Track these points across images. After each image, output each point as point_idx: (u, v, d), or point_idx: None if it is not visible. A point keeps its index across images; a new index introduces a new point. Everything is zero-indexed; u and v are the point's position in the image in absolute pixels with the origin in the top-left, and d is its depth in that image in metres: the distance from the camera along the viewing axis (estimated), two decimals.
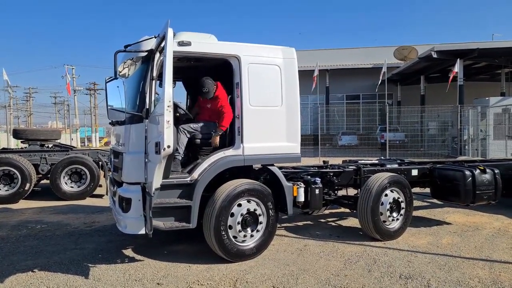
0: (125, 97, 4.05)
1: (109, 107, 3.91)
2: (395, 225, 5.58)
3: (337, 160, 7.75)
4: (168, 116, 3.68)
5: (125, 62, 4.93)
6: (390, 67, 24.67)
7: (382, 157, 8.95)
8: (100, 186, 9.68)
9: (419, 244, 5.35)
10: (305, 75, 22.59)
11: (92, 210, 7.91)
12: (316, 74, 21.69)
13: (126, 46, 4.09)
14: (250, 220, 4.67)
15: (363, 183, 5.79)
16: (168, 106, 3.67)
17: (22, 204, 8.70)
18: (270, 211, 4.79)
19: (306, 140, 18.94)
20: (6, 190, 8.73)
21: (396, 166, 6.64)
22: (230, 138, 4.83)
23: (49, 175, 9.18)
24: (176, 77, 6.16)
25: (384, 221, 5.50)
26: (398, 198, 5.60)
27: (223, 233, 4.48)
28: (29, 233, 6.20)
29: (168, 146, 3.66)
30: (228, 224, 4.53)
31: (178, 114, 4.97)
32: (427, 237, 5.73)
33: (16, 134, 10.15)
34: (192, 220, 4.42)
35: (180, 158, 4.74)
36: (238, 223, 4.58)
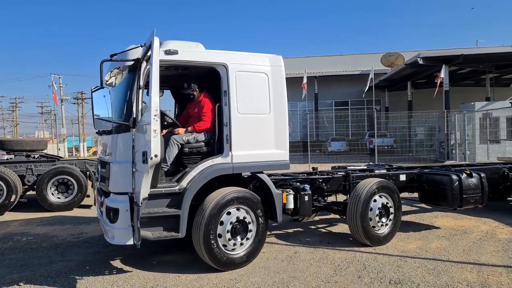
0: (112, 106, 4.02)
1: (95, 117, 3.87)
2: (384, 230, 5.61)
3: (326, 167, 7.80)
4: (155, 125, 3.66)
5: (111, 71, 4.90)
6: (377, 74, 25.03)
7: (371, 163, 9.01)
8: (88, 196, 9.53)
9: (408, 249, 5.39)
10: (294, 82, 22.78)
11: (80, 221, 7.78)
12: (305, 82, 21.85)
13: (112, 55, 4.08)
14: (239, 228, 4.65)
15: (352, 189, 5.82)
16: (155, 115, 3.65)
17: (8, 216, 8.51)
18: (260, 219, 4.78)
19: (296, 147, 19.03)
20: None
21: (384, 171, 6.70)
22: (218, 146, 4.82)
23: (35, 186, 9.03)
24: (164, 86, 6.17)
25: (374, 227, 5.52)
26: (387, 203, 5.63)
27: (213, 241, 4.44)
28: (15, 245, 6.06)
29: (156, 155, 3.64)
30: (217, 233, 4.50)
31: (165, 123, 4.96)
32: (416, 241, 5.78)
33: (1, 145, 9.98)
34: (181, 230, 4.38)
35: (166, 169, 4.71)
36: (228, 231, 4.55)
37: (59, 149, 29.34)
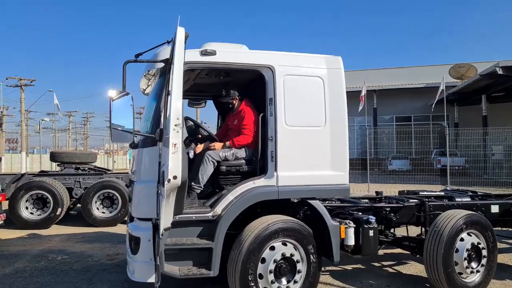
0: (133, 115, 3.35)
1: (113, 127, 3.22)
2: (474, 278, 4.37)
3: (388, 188, 6.66)
4: (175, 138, 2.93)
5: (149, 79, 4.33)
6: (445, 86, 22.79)
7: (447, 187, 7.60)
8: None
9: None
10: (350, 96, 21.27)
11: (119, 239, 7.35)
12: (363, 94, 20.41)
13: (137, 55, 3.45)
14: (285, 268, 3.74)
15: (429, 222, 4.67)
16: (176, 125, 2.93)
17: (53, 229, 8.39)
18: (311, 257, 3.84)
19: (353, 165, 17.41)
20: (38, 215, 8.48)
21: (468, 199, 5.40)
22: (261, 165, 3.99)
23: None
24: (206, 95, 5.56)
25: (460, 273, 4.31)
26: (478, 243, 4.39)
27: (252, 284, 3.59)
28: (47, 265, 5.69)
29: (175, 177, 2.89)
30: (257, 273, 3.64)
31: (199, 136, 4.26)
32: None
33: (53, 157, 10.07)
34: (213, 266, 3.59)
35: (199, 191, 3.97)
36: (271, 271, 3.67)
37: (115, 162, 30.42)
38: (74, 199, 9.19)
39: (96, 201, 8.76)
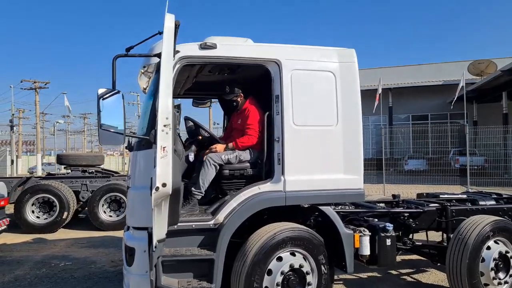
0: (124, 115, 3.08)
1: (102, 128, 2.95)
2: None
3: (405, 188, 6.27)
4: (164, 140, 2.62)
5: (149, 77, 4.05)
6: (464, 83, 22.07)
7: (469, 190, 7.15)
8: None
9: None
10: (364, 95, 20.75)
11: None
12: (379, 92, 19.87)
13: (128, 49, 3.16)
14: (294, 281, 3.42)
15: (451, 228, 4.29)
16: (165, 126, 2.62)
17: (60, 233, 8.26)
18: (322, 268, 3.51)
19: (368, 165, 16.99)
20: (45, 219, 8.37)
21: (493, 203, 4.98)
22: (267, 169, 3.67)
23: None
24: (210, 94, 5.29)
25: (486, 285, 3.93)
26: (506, 252, 4.00)
27: None
28: (48, 273, 5.51)
29: (164, 185, 2.60)
30: (263, 286, 3.34)
31: (200, 137, 3.97)
32: None
33: (60, 159, 9.96)
34: (215, 279, 3.29)
35: (200, 197, 3.67)
36: (278, 284, 3.36)
37: (126, 163, 30.48)
38: (82, 202, 9.04)
39: (103, 205, 8.59)
